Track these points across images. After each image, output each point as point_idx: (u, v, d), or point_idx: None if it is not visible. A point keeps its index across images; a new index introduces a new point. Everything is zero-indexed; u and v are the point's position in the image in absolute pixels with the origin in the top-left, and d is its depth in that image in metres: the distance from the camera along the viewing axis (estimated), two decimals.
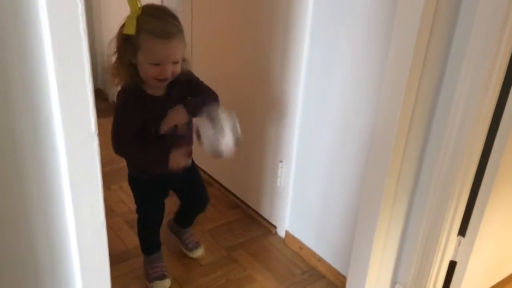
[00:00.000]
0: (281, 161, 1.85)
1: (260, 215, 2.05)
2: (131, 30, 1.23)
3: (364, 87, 1.44)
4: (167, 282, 1.63)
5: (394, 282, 1.63)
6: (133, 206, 2.12)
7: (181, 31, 1.29)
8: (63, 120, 0.68)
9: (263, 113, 1.89)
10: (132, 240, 1.88)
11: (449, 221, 1.42)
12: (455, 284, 1.57)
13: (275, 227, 1.98)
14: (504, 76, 1.25)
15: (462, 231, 1.49)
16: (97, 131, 0.72)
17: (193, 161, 1.60)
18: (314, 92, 1.63)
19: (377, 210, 1.39)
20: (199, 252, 1.77)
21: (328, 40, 1.53)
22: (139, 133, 1.39)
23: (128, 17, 1.24)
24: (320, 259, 1.77)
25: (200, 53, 2.16)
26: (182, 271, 1.73)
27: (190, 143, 1.51)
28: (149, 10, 1.27)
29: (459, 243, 1.51)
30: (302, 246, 1.84)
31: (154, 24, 1.25)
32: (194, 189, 1.67)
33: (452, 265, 1.55)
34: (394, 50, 1.25)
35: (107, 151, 2.78)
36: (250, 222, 2.05)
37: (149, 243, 1.67)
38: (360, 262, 1.50)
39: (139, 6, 1.22)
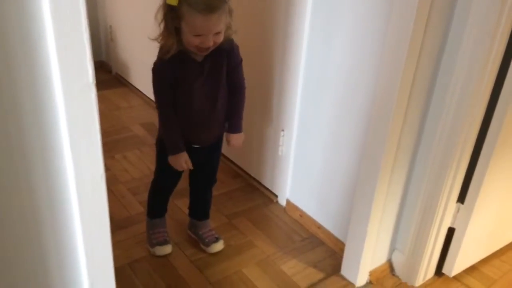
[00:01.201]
0: (282, 130, 1.85)
1: (262, 184, 2.07)
2: (173, 1, 1.22)
3: (365, 54, 1.43)
4: (168, 248, 1.66)
5: (392, 249, 1.65)
6: (136, 175, 2.16)
7: (224, 1, 1.25)
8: (61, 70, 0.68)
9: (264, 81, 1.89)
10: (135, 207, 1.91)
11: (448, 187, 1.43)
12: (453, 250, 1.59)
13: (276, 196, 2.00)
14: (507, 41, 1.24)
15: (461, 198, 1.50)
16: (94, 82, 0.73)
17: (220, 141, 1.58)
18: (315, 59, 1.62)
19: (376, 177, 1.40)
20: (216, 247, 1.67)
21: (330, 6, 1.51)
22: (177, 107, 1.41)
23: None
24: (320, 227, 1.79)
25: None
26: (184, 237, 1.75)
27: (214, 127, 1.50)
28: None
29: (457, 210, 1.52)
30: (302, 214, 1.86)
31: None
32: (210, 166, 1.63)
33: (451, 232, 1.56)
34: (395, 15, 1.24)
35: (111, 122, 2.82)
36: (251, 191, 2.07)
37: (157, 206, 1.68)
38: (358, 229, 1.51)
39: None
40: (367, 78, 1.45)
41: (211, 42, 1.28)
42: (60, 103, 0.71)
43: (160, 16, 1.30)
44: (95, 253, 0.86)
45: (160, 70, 1.38)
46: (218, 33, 1.28)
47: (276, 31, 1.77)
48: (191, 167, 1.47)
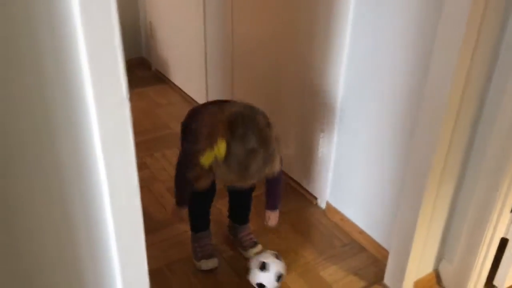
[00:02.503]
0: (322, 132, 1.79)
1: (301, 186, 2.02)
2: (206, 162, 1.22)
3: (413, 53, 1.35)
4: (214, 261, 1.60)
5: (440, 258, 1.56)
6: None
7: (266, 159, 1.21)
8: (94, 86, 0.66)
9: (303, 80, 1.83)
10: None
11: (503, 196, 1.33)
12: (505, 262, 1.49)
13: (316, 198, 1.95)
14: None
15: None
16: (128, 96, 0.70)
17: None
18: (358, 57, 1.55)
19: (424, 182, 1.32)
20: (254, 251, 1.64)
21: (374, 8, 1.43)
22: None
23: (208, 153, 1.20)
24: (361, 232, 1.72)
25: (240, 12, 2.11)
26: (223, 240, 1.74)
27: None
28: (236, 145, 1.17)
29: None
30: (343, 218, 1.80)
31: (237, 168, 1.19)
32: None
33: (503, 242, 1.46)
34: (447, 13, 1.15)
35: (151, 119, 2.85)
36: (290, 193, 2.03)
37: (199, 221, 1.64)
38: (404, 236, 1.44)
39: (224, 152, 1.18)
40: (413, 78, 1.37)
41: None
42: (94, 120, 0.69)
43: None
44: (129, 265, 0.84)
45: (185, 171, 1.38)
46: None
47: (316, 29, 1.70)
48: (182, 220, 1.56)
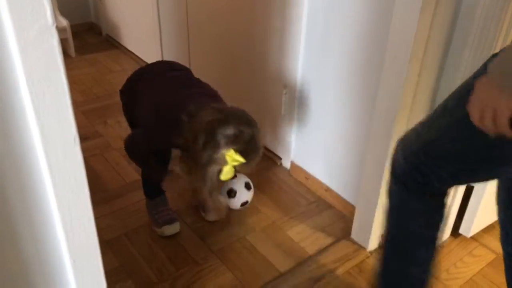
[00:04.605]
0: (284, 87, 1.71)
1: (265, 147, 1.95)
2: (229, 177, 1.23)
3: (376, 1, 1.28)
4: (177, 226, 1.52)
5: None
6: None
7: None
8: (11, 12, 0.55)
9: (263, 34, 1.74)
10: (130, 174, 1.81)
11: None
12: (471, 209, 1.49)
13: (280, 158, 1.89)
14: None
15: None
16: (55, 24, 0.60)
17: None
18: (320, 8, 1.47)
19: (389, 131, 1.28)
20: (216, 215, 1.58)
21: None
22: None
23: (227, 167, 1.20)
24: (327, 189, 1.68)
25: None
26: (184, 205, 1.65)
27: None
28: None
29: None
30: (308, 176, 1.75)
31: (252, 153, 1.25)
32: None
33: (469, 189, 1.45)
34: None
35: (104, 86, 2.68)
36: None
37: (153, 187, 1.56)
38: (371, 189, 1.40)
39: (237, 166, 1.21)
40: (377, 27, 1.30)
41: None
42: (15, 53, 0.58)
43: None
44: (75, 228, 0.74)
45: (159, 136, 1.32)
46: None
47: None
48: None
